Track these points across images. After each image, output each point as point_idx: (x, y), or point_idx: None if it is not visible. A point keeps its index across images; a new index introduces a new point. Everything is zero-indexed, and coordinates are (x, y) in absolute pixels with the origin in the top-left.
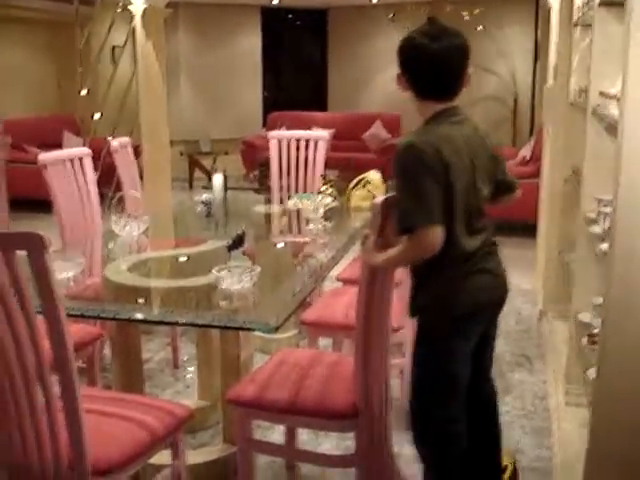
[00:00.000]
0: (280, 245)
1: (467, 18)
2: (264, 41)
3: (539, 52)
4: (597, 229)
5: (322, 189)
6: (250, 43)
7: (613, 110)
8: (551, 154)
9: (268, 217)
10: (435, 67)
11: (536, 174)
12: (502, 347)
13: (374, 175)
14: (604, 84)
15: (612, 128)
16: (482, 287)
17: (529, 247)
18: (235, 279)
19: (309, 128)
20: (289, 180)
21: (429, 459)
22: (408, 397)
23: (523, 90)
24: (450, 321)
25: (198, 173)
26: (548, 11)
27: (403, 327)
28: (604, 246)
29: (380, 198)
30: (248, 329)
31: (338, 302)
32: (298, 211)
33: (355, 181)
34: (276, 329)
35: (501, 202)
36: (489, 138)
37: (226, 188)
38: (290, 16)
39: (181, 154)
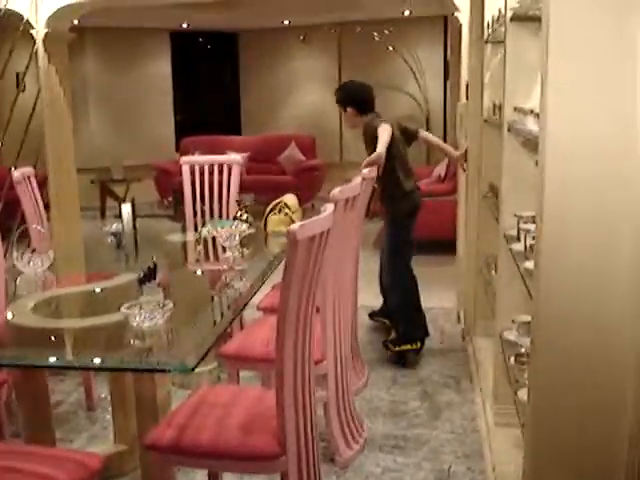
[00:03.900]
0: (196, 275)
1: (377, 39)
2: (174, 65)
3: (449, 70)
4: (519, 247)
5: (237, 214)
6: (160, 67)
7: (531, 125)
8: (468, 171)
9: (183, 246)
10: (369, 97)
11: (452, 192)
12: (428, 368)
13: (290, 199)
14: (518, 99)
15: (529, 143)
16: (417, 196)
17: (449, 264)
18: (146, 316)
19: (223, 152)
20: (203, 206)
21: (399, 296)
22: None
23: (435, 109)
24: (407, 210)
25: (111, 201)
26: (458, 29)
27: (325, 359)
28: (528, 264)
29: (297, 224)
30: (162, 370)
31: (258, 333)
32: (214, 238)
33: (271, 205)
34: (192, 369)
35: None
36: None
37: (135, 217)
38: (200, 40)
39: (92, 182)
